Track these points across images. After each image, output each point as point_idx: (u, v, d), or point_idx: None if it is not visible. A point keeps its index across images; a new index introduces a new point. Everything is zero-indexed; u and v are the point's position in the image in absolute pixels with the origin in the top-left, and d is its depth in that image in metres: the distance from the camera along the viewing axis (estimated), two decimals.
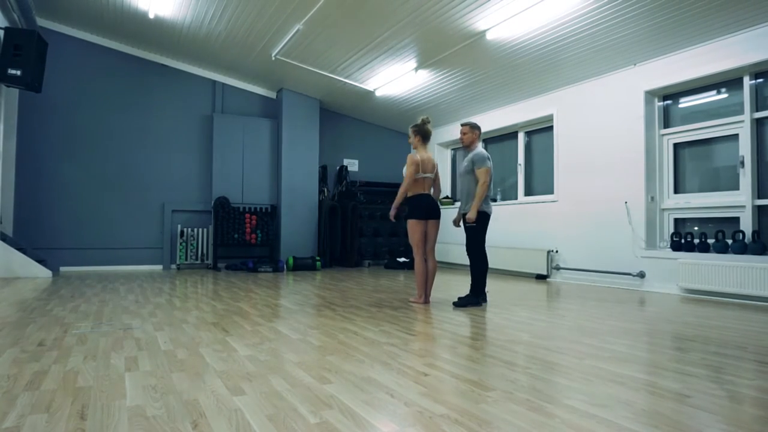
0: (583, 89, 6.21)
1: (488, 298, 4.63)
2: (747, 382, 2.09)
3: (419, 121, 4.41)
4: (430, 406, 1.76)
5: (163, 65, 7.90)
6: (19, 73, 5.57)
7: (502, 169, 7.85)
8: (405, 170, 4.33)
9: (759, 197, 4.72)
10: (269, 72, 7.67)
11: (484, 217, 4.27)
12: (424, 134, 4.39)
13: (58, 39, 7.15)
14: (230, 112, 8.34)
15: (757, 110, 4.77)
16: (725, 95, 5.05)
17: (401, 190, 4.32)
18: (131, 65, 7.68)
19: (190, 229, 7.88)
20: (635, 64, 5.55)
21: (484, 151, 4.37)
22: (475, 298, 4.25)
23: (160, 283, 5.78)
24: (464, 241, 4.42)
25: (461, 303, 4.19)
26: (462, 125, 4.49)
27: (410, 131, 4.44)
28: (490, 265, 7.32)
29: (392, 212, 4.42)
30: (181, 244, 7.79)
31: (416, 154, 4.31)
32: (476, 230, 4.28)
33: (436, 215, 4.31)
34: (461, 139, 4.52)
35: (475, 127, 4.46)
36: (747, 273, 4.50)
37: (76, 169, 7.30)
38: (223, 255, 8.13)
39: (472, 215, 4.18)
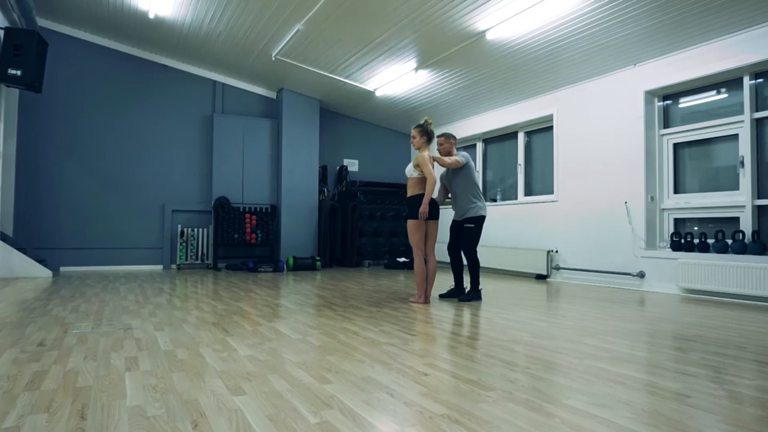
0: (583, 89, 6.21)
1: (483, 297, 4.73)
2: (747, 382, 2.09)
3: (422, 122, 4.40)
4: (430, 406, 1.76)
5: (163, 65, 7.89)
6: (19, 73, 5.56)
7: (502, 169, 7.85)
8: (413, 170, 4.27)
9: (759, 197, 4.73)
10: (269, 72, 7.67)
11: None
12: (429, 135, 4.39)
13: (58, 39, 7.15)
14: (230, 112, 8.34)
15: (756, 110, 4.77)
16: (725, 95, 5.05)
17: (429, 189, 4.14)
18: (131, 65, 7.68)
19: (190, 229, 7.88)
20: (635, 64, 5.55)
21: None
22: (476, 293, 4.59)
23: (161, 283, 5.78)
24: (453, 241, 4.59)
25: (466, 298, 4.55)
26: (439, 136, 4.68)
27: (415, 132, 4.39)
28: (490, 264, 7.41)
29: (424, 208, 4.13)
30: (181, 244, 7.79)
31: (426, 154, 4.29)
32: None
33: (436, 215, 4.31)
34: (440, 149, 4.66)
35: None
36: (747, 273, 4.50)
37: (76, 169, 7.30)
38: (223, 255, 8.14)
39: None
